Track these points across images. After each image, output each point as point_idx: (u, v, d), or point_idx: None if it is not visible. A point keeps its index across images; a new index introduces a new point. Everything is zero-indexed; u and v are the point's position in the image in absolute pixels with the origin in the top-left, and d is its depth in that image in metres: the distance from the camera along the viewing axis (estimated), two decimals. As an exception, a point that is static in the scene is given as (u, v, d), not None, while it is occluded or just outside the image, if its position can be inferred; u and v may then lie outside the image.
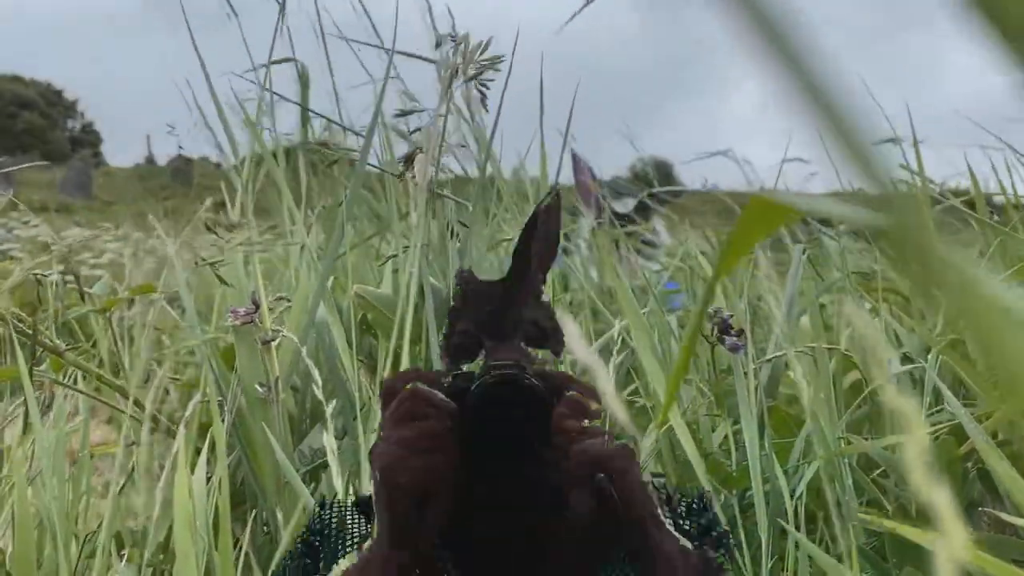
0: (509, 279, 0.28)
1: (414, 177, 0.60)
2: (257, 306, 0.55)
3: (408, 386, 0.27)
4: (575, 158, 1.85)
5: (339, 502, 0.32)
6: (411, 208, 0.55)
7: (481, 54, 0.62)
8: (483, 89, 0.62)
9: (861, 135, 0.13)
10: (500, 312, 0.27)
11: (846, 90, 0.12)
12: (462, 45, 0.62)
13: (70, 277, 0.69)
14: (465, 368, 0.28)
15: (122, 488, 0.72)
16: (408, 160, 0.63)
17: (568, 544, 0.28)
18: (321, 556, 0.31)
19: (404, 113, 0.70)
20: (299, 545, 0.32)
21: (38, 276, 0.60)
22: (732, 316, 0.65)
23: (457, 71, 0.61)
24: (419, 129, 0.66)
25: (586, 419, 0.26)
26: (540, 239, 0.28)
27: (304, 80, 0.81)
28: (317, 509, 0.32)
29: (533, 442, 0.27)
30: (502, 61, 0.64)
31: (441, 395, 0.27)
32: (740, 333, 0.64)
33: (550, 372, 0.28)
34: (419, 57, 0.81)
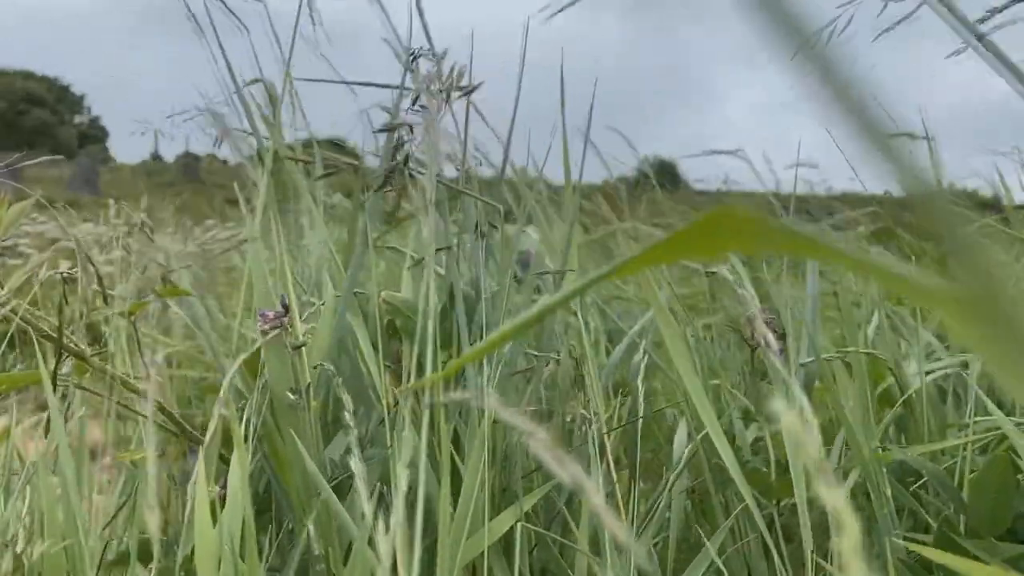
0: None
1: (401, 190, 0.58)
2: (287, 310, 0.54)
3: None
4: None
5: None
6: (421, 216, 0.53)
7: (458, 80, 0.60)
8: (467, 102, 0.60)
9: (891, 135, 0.13)
10: None
11: (872, 90, 0.12)
12: (438, 67, 0.61)
13: (92, 276, 0.68)
14: None
15: (134, 493, 0.71)
16: (389, 173, 0.60)
17: None
18: None
19: (388, 129, 0.67)
20: None
21: (64, 275, 0.59)
22: (772, 320, 0.63)
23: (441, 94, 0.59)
24: (402, 144, 0.63)
25: None
26: None
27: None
28: None
29: None
30: (478, 87, 0.63)
31: None
32: (780, 337, 0.63)
33: None
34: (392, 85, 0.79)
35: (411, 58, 0.58)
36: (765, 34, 0.13)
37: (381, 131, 0.53)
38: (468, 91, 0.54)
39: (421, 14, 0.63)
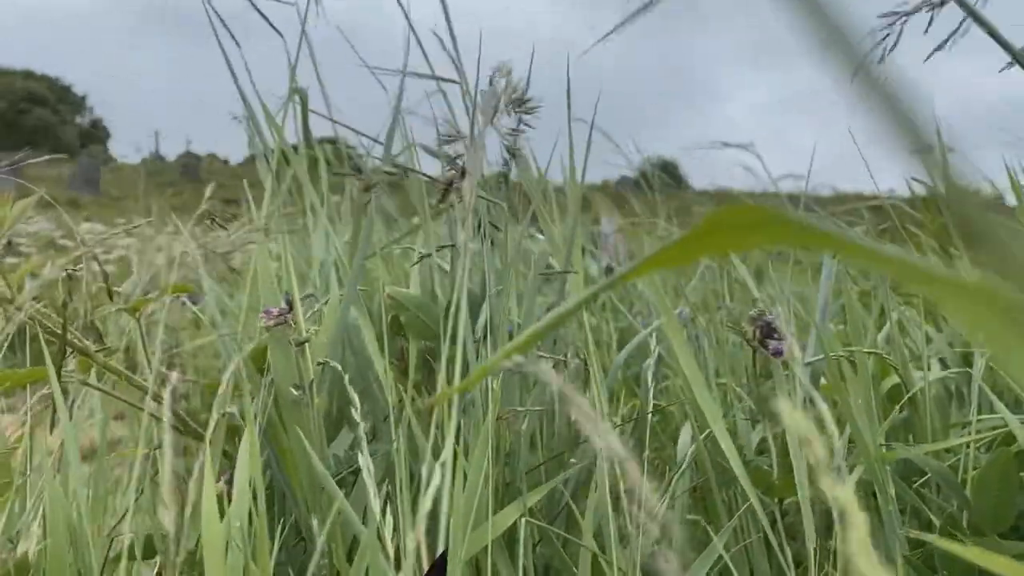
0: None
1: (459, 199, 0.59)
2: (291, 306, 0.54)
3: None
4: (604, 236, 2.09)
5: None
6: (457, 220, 0.54)
7: (518, 94, 0.61)
8: (525, 126, 0.61)
9: (922, 126, 0.13)
10: None
11: (901, 85, 0.13)
12: (502, 80, 0.61)
13: (97, 273, 0.68)
14: None
15: (142, 491, 0.71)
16: (447, 187, 0.61)
17: None
18: None
19: (447, 141, 0.68)
20: None
21: (70, 273, 0.59)
22: (776, 319, 0.63)
23: (497, 107, 0.60)
24: (456, 156, 0.64)
25: None
26: None
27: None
28: None
29: None
30: (540, 107, 0.64)
31: None
32: (782, 337, 0.63)
33: None
34: (443, 79, 0.80)
35: (491, 78, 0.59)
36: (803, 33, 0.13)
37: (444, 143, 0.54)
38: (527, 110, 0.55)
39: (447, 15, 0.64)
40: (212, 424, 0.45)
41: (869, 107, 0.13)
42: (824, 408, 0.36)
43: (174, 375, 0.43)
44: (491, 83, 0.54)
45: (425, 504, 0.40)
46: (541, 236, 0.95)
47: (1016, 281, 0.14)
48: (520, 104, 0.54)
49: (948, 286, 0.15)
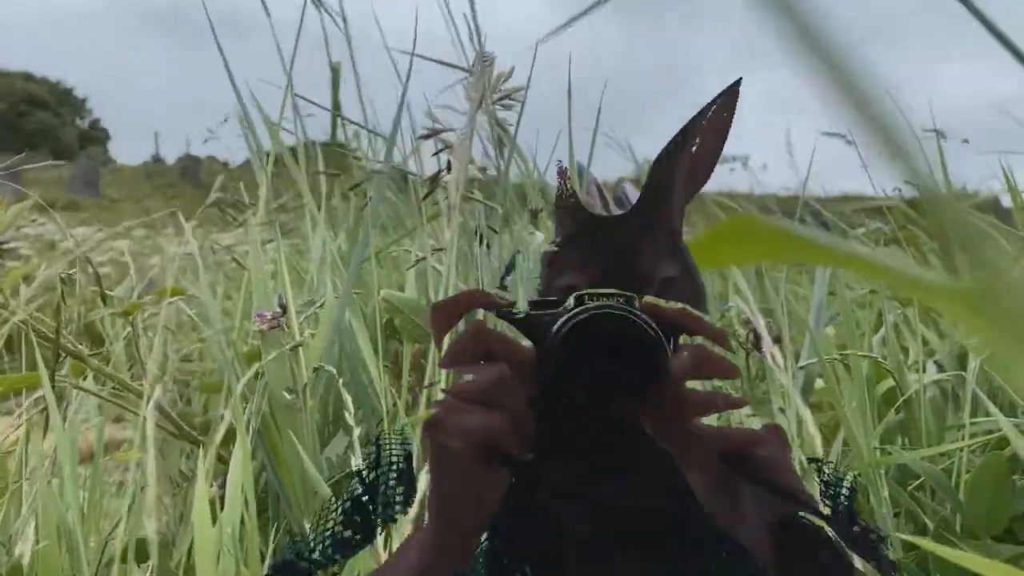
0: (639, 207, 0.21)
1: (444, 188, 0.60)
2: (284, 310, 0.54)
3: (472, 320, 0.21)
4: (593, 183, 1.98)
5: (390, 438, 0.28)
6: (443, 218, 0.55)
7: (504, 82, 0.62)
8: (507, 110, 0.62)
9: (899, 130, 0.13)
10: (618, 260, 0.21)
11: (880, 86, 0.12)
12: (487, 70, 0.62)
13: (90, 277, 0.68)
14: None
15: (134, 498, 0.71)
16: (434, 179, 0.62)
17: (666, 534, 0.22)
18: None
19: (430, 135, 0.69)
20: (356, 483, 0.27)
21: (63, 277, 0.59)
22: (768, 323, 0.63)
23: (482, 98, 0.61)
24: (445, 148, 0.65)
25: (715, 378, 0.20)
26: (700, 147, 0.21)
27: (335, 78, 0.81)
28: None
29: (640, 399, 0.20)
30: (523, 89, 0.64)
31: (512, 336, 0.20)
32: (776, 340, 0.63)
33: (663, 308, 0.20)
34: (446, 64, 0.81)
35: (478, 61, 0.61)
36: (776, 34, 0.13)
37: (424, 137, 0.54)
38: (507, 95, 0.56)
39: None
40: (216, 431, 0.45)
41: (845, 111, 0.13)
42: (808, 415, 0.36)
43: (159, 386, 0.43)
44: (471, 73, 0.55)
45: (418, 506, 0.40)
46: (539, 234, 0.95)
47: (995, 286, 0.14)
48: (505, 94, 0.55)
49: (943, 293, 0.15)
